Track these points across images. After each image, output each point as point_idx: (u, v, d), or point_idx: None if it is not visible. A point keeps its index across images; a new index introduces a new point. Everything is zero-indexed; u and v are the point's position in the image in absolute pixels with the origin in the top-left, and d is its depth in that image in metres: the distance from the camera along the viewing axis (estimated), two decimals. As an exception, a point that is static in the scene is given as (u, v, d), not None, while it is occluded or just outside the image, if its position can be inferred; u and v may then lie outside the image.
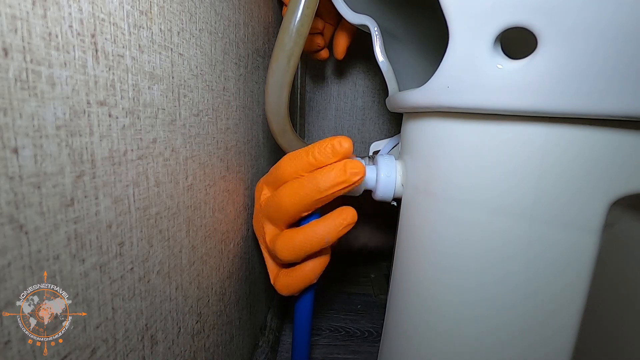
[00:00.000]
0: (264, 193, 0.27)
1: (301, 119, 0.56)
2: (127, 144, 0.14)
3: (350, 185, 0.23)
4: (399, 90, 0.31)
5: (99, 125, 0.12)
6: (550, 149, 0.16)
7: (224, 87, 0.24)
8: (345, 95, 0.59)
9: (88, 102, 0.12)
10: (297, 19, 0.23)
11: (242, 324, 0.31)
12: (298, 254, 0.25)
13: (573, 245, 0.17)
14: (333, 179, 0.23)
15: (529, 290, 0.18)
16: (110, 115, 0.13)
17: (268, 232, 0.27)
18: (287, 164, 0.25)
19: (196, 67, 0.19)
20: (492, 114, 0.17)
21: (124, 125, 0.14)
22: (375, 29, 0.32)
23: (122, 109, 0.13)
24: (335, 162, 0.24)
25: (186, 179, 0.19)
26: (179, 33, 0.17)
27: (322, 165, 0.24)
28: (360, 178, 0.23)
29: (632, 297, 0.20)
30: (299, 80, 0.52)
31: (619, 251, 0.20)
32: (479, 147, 0.18)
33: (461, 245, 0.19)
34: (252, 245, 0.32)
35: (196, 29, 0.19)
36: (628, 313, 0.21)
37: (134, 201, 0.14)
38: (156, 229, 0.16)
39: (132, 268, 0.15)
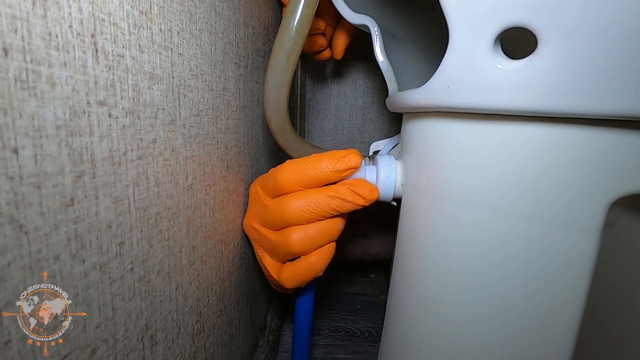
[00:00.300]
0: (260, 195, 0.27)
1: (301, 119, 0.56)
2: (127, 144, 0.14)
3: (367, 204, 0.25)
4: (399, 90, 0.31)
5: (99, 125, 0.12)
6: (550, 149, 0.16)
7: (224, 87, 0.24)
8: (345, 95, 0.59)
9: (88, 102, 0.12)
10: (297, 18, 0.23)
11: (242, 324, 0.31)
12: (314, 244, 0.26)
13: (573, 245, 0.17)
14: (353, 199, 0.24)
15: (529, 290, 0.18)
16: (110, 115, 0.13)
17: (265, 232, 0.27)
18: (288, 175, 0.25)
19: (196, 67, 0.19)
20: (492, 114, 0.17)
21: (124, 125, 0.14)
22: (375, 29, 0.32)
23: (122, 109, 0.13)
24: (344, 177, 0.25)
25: (186, 179, 0.19)
26: (179, 33, 0.17)
27: (330, 181, 0.25)
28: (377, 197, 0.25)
29: (632, 297, 0.20)
30: (298, 80, 0.52)
31: (619, 251, 0.20)
32: (479, 147, 0.18)
33: (461, 245, 0.19)
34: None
35: (196, 29, 0.19)
36: (628, 313, 0.21)
37: (134, 201, 0.14)
38: (156, 229, 0.16)
39: (132, 268, 0.15)
